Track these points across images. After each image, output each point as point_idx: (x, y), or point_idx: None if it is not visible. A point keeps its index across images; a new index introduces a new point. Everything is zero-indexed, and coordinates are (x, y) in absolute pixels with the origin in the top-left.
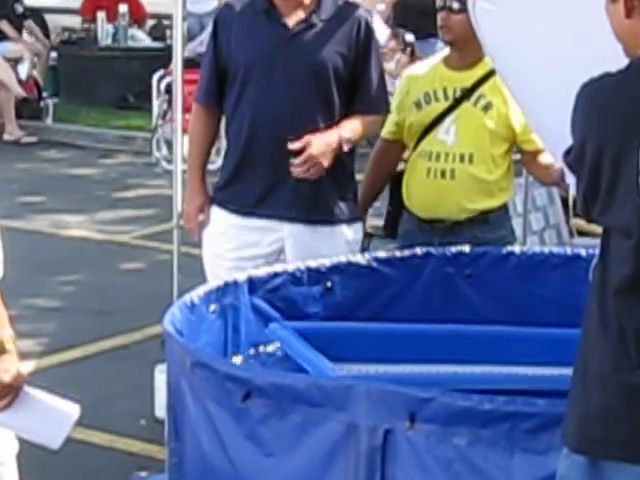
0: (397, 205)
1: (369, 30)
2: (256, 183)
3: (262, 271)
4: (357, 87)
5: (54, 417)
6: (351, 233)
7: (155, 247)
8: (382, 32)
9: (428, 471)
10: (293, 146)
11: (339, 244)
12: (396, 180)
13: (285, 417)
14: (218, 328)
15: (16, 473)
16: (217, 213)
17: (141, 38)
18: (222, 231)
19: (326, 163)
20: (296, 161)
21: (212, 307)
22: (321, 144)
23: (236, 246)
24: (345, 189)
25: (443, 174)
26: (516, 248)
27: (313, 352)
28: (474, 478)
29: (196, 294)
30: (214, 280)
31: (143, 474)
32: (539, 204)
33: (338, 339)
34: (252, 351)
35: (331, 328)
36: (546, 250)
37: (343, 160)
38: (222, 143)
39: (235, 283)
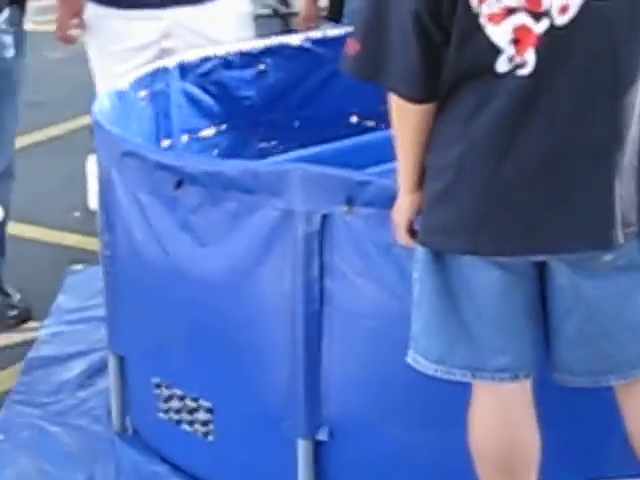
0: None
1: None
2: None
3: (192, 55)
4: None
5: None
6: (236, 6)
7: None
8: None
9: (367, 256)
10: None
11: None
12: None
13: (218, 205)
14: (148, 115)
15: None
16: (92, 9)
17: None
18: (100, 25)
19: None
20: None
21: (142, 94)
22: None
23: (117, 38)
24: None
25: None
26: None
27: None
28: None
29: (125, 81)
30: (106, 76)
31: (78, 267)
32: None
33: None
34: (184, 138)
35: None
36: None
37: None
38: None
39: (165, 69)
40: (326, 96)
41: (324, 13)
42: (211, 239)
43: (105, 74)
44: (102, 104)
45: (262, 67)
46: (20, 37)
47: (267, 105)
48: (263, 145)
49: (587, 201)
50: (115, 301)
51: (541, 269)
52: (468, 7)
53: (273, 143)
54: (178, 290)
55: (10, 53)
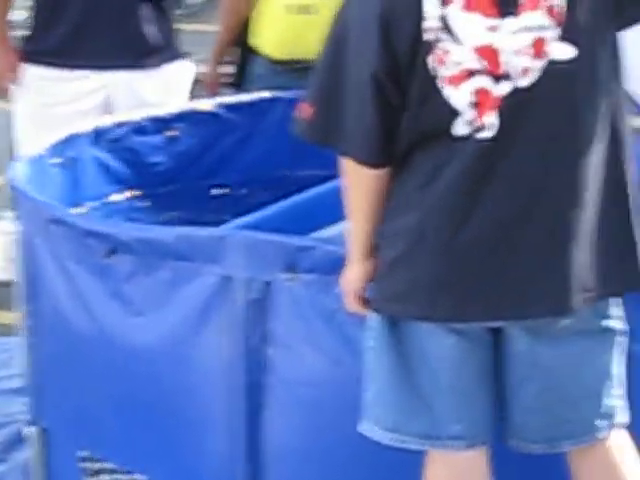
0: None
1: None
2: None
3: (106, 121)
4: None
5: None
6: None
7: None
8: None
9: (310, 323)
10: None
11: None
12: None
13: (153, 273)
14: (60, 182)
15: None
16: (28, 68)
17: None
18: (38, 86)
19: None
20: None
21: (55, 160)
22: None
23: (57, 101)
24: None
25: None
26: None
27: None
28: (357, 327)
29: (39, 147)
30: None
31: None
32: None
33: None
34: (94, 206)
35: None
36: None
37: None
38: None
39: (78, 135)
40: (237, 162)
41: (226, 79)
42: (145, 309)
43: (38, 138)
44: (18, 170)
45: (173, 133)
46: None
47: (178, 171)
48: (175, 213)
49: (544, 267)
50: (38, 372)
51: (496, 335)
52: (426, 69)
53: (185, 210)
54: (109, 360)
55: None
